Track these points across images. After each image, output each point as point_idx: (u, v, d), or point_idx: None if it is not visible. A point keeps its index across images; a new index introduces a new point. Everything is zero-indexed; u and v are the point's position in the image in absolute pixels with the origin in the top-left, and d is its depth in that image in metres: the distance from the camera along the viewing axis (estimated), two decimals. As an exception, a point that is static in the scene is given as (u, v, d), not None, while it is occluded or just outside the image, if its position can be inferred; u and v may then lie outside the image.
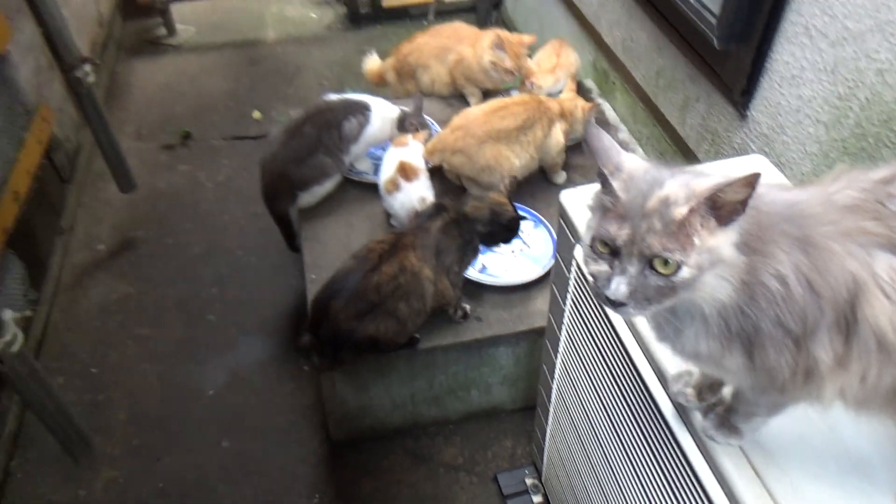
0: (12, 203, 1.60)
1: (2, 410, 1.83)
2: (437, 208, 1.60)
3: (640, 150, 2.11)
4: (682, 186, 0.61)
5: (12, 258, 1.63)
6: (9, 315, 1.41)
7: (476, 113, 1.89)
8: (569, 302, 1.22)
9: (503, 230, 1.59)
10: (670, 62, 1.83)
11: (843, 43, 1.24)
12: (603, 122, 2.20)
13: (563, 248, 1.19)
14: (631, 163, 0.65)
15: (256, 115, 2.97)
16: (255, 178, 2.60)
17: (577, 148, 2.10)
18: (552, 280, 1.30)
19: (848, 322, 0.65)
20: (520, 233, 1.65)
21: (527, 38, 2.17)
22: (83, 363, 2.06)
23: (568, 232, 1.15)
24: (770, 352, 0.65)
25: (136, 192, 2.49)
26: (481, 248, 1.64)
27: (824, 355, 0.65)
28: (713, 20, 1.51)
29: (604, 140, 0.66)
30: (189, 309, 2.21)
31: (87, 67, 2.01)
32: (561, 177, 2.03)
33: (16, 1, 1.98)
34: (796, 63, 1.36)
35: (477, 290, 1.72)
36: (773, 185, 0.66)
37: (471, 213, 1.57)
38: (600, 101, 2.29)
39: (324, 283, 1.54)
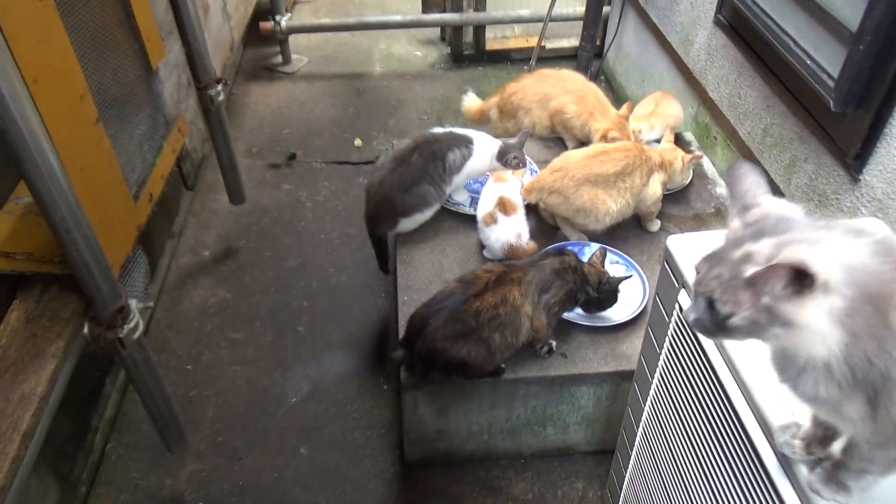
0: (147, 203, 1.76)
1: (104, 396, 1.97)
2: (559, 251, 1.69)
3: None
4: (773, 247, 0.63)
5: (140, 253, 1.78)
6: (134, 304, 1.54)
7: (577, 156, 1.94)
8: (666, 346, 1.22)
9: (609, 297, 1.69)
10: (779, 121, 1.83)
11: (973, 113, 1.22)
12: (700, 176, 2.20)
13: (665, 292, 1.20)
14: (765, 208, 0.68)
15: (357, 142, 3.13)
16: (352, 201, 2.76)
17: (673, 198, 2.11)
18: (648, 323, 1.31)
19: None
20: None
21: (625, 110, 2.25)
22: (180, 359, 2.20)
23: (672, 276, 1.17)
24: None
25: (242, 205, 2.67)
26: (581, 311, 1.74)
27: None
28: (831, 82, 1.51)
29: (745, 182, 0.69)
30: (280, 318, 2.32)
31: (220, 87, 2.20)
32: (655, 225, 2.04)
33: (168, 24, 2.20)
34: (918, 130, 1.34)
35: (565, 328, 1.74)
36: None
37: (586, 272, 1.66)
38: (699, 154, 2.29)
39: (425, 301, 1.60)
